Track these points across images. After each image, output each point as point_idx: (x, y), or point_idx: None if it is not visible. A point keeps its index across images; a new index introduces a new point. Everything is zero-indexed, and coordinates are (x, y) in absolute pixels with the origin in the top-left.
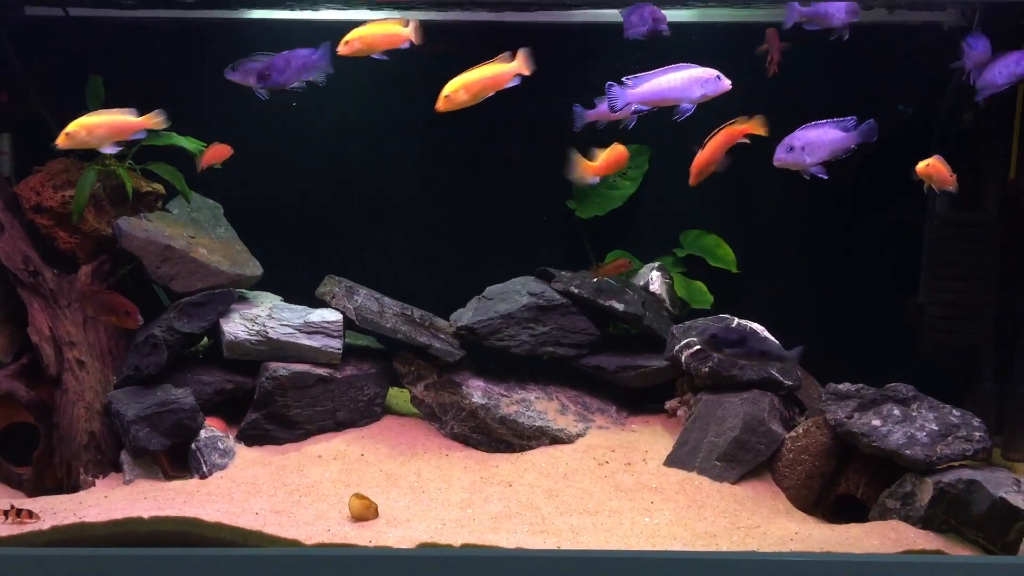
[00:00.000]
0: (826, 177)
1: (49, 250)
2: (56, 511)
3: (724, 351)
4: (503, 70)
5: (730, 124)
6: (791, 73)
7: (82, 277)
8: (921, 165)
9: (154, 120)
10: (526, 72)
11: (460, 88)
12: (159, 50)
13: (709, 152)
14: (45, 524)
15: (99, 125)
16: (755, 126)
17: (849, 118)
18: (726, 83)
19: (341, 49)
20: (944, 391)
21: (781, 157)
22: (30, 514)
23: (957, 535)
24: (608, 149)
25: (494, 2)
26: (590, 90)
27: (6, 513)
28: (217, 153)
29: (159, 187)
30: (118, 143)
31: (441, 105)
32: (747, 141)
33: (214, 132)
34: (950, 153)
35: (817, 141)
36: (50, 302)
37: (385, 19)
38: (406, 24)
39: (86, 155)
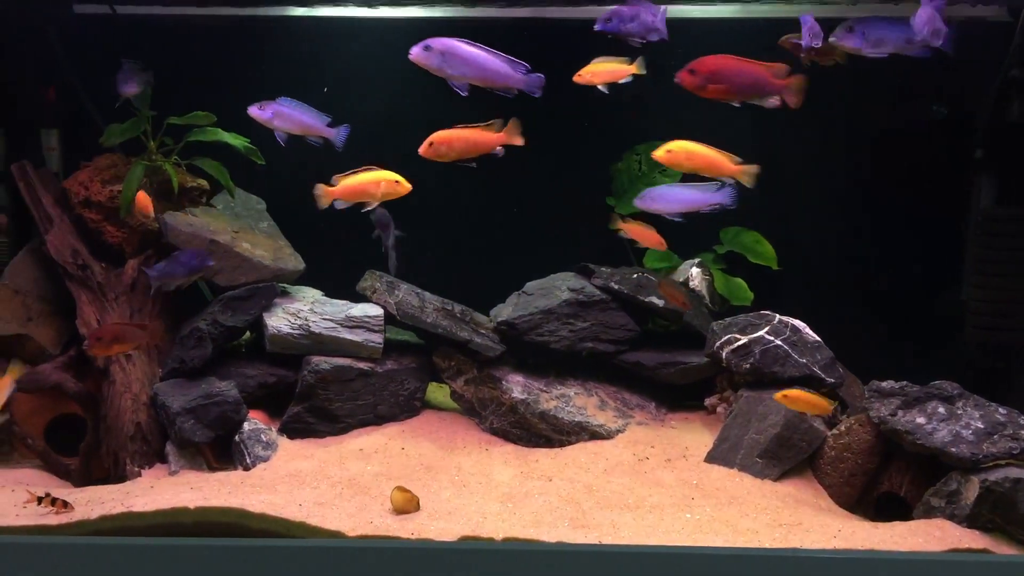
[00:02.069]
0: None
1: (97, 244)
2: (104, 501)
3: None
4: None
5: (485, 126)
6: (825, 68)
7: (129, 270)
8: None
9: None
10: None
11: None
12: (206, 47)
13: (456, 134)
14: (93, 513)
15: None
16: (509, 135)
17: (713, 183)
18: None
19: (576, 79)
20: (988, 388)
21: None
22: (64, 504)
23: (1003, 534)
24: (353, 175)
25: None
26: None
27: (40, 499)
28: None
29: (204, 182)
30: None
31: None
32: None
33: (258, 128)
34: (994, 148)
35: (669, 197)
36: (98, 295)
37: (608, 59)
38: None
39: (133, 151)
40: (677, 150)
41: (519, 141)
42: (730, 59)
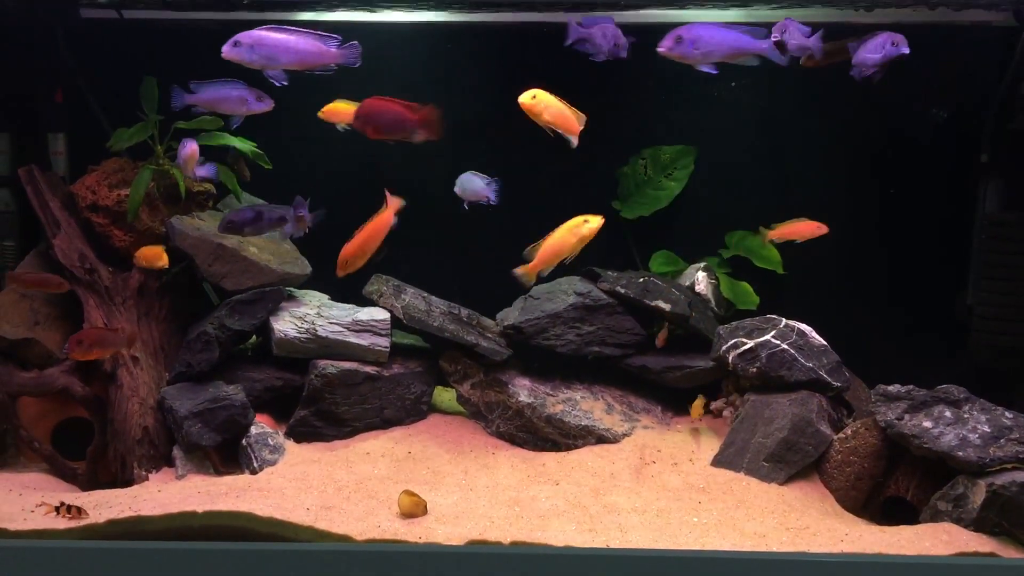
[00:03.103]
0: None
1: (104, 248)
2: (111, 505)
3: (244, 231)
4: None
5: (378, 214)
6: (833, 72)
7: (136, 274)
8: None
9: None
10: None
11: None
12: (213, 52)
13: (360, 241)
14: (101, 517)
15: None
16: (392, 209)
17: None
18: None
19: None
20: (995, 393)
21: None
22: (79, 511)
23: (1010, 538)
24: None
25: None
26: (634, 87)
27: (57, 509)
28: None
29: (210, 186)
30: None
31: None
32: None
33: (264, 132)
34: (999, 153)
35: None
36: (105, 299)
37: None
38: None
39: (140, 155)
40: (541, 98)
41: (399, 206)
42: (377, 101)
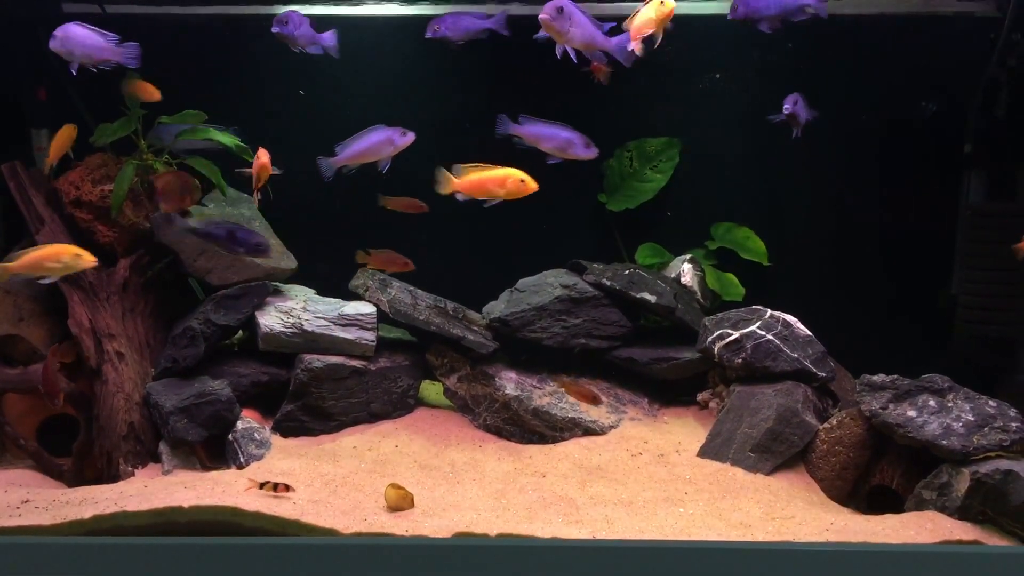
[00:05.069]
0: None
1: (88, 244)
2: (97, 500)
3: (233, 248)
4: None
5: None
6: (816, 63)
7: (121, 270)
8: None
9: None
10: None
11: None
12: (196, 46)
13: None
14: (87, 513)
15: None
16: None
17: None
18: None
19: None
20: (978, 382)
21: None
22: (287, 487)
23: (994, 526)
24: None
25: None
26: (617, 81)
27: (262, 485)
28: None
29: (195, 181)
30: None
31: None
32: None
33: (249, 128)
34: (982, 144)
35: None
36: (90, 295)
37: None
38: None
39: (124, 150)
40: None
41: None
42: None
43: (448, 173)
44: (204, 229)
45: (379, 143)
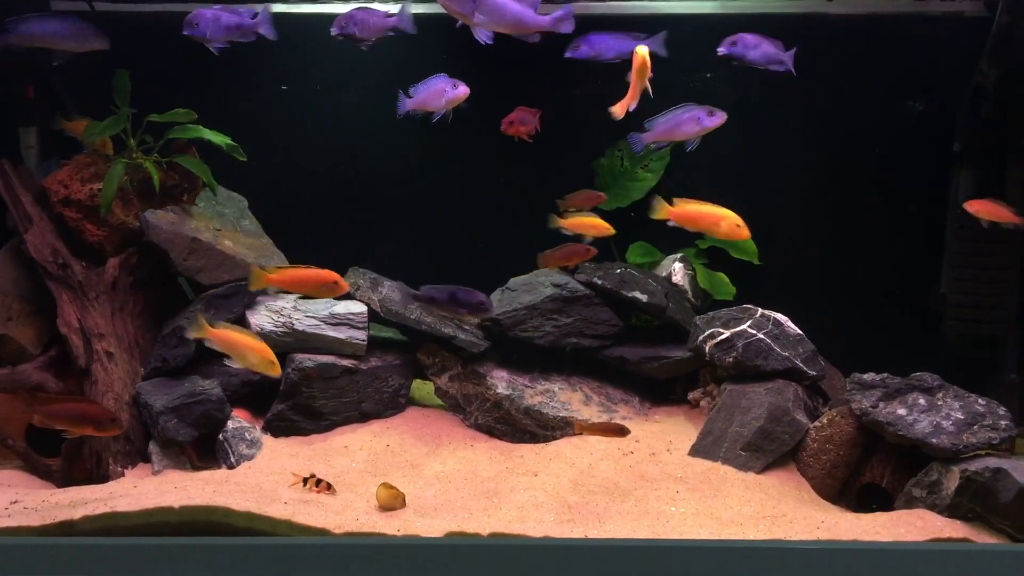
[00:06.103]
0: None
1: (77, 243)
2: (87, 501)
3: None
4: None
5: None
6: (806, 63)
7: (110, 269)
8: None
9: None
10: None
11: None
12: (185, 44)
13: None
14: (77, 514)
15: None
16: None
17: None
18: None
19: None
20: (968, 381)
21: None
22: (328, 486)
23: (984, 523)
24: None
25: None
26: (609, 82)
27: (305, 481)
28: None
29: (182, 179)
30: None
31: None
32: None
33: (238, 125)
34: (971, 143)
35: None
36: (79, 294)
37: None
38: None
39: (113, 148)
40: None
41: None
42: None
43: (663, 200)
44: (426, 295)
45: (688, 119)
